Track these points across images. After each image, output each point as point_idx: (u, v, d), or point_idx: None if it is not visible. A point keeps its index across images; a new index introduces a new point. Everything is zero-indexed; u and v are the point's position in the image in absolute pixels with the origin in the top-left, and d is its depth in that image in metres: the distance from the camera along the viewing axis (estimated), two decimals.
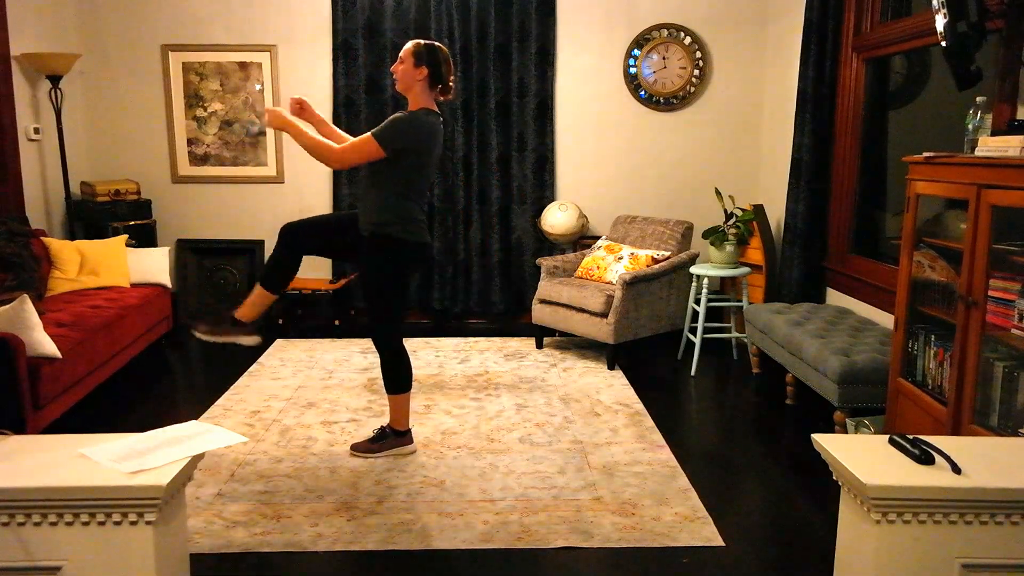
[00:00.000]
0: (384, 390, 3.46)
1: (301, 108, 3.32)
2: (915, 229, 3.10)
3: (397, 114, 3.22)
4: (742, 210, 5.07)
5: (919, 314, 3.13)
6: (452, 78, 3.30)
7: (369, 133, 3.16)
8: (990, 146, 2.69)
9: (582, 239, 5.61)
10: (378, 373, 4.61)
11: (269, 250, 5.84)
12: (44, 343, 3.38)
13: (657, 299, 4.85)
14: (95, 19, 5.56)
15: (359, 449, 3.44)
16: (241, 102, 5.69)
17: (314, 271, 5.86)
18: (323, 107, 5.64)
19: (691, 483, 3.18)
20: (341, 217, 3.59)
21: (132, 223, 5.39)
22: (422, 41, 3.27)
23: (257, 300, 3.45)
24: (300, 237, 3.38)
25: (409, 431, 3.49)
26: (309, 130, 3.23)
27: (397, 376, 3.39)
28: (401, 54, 3.25)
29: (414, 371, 4.64)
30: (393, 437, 3.45)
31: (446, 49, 3.31)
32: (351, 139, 3.27)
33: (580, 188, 5.79)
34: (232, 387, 4.37)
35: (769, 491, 3.21)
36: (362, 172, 3.35)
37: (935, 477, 1.73)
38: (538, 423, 3.84)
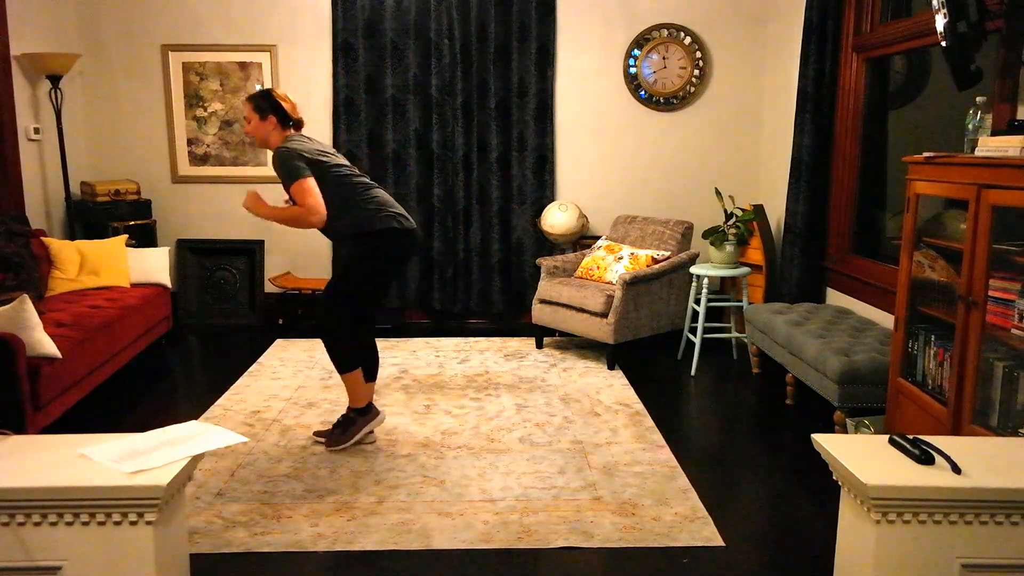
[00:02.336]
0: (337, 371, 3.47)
1: (258, 197, 3.36)
2: (915, 229, 3.10)
3: (274, 159, 3.26)
4: (742, 210, 5.07)
5: (919, 314, 3.13)
6: (298, 112, 3.39)
7: (292, 183, 3.20)
8: (990, 146, 2.69)
9: (582, 239, 5.61)
10: (379, 373, 4.61)
11: (269, 250, 5.84)
12: (44, 343, 3.38)
13: (657, 299, 4.85)
14: (95, 19, 5.56)
15: (332, 445, 3.46)
16: (241, 102, 5.69)
17: (314, 271, 5.87)
18: (323, 107, 5.65)
19: (691, 483, 3.18)
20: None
21: (132, 223, 5.39)
22: (255, 91, 3.37)
23: (351, 384, 3.46)
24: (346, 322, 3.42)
25: (371, 405, 3.51)
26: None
27: (340, 355, 3.39)
28: (244, 114, 3.34)
29: (414, 371, 4.66)
30: (359, 417, 3.48)
31: (280, 91, 3.40)
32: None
33: (580, 188, 5.79)
34: (232, 387, 4.37)
35: (769, 491, 3.21)
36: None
37: (935, 477, 1.74)
38: (538, 423, 3.84)
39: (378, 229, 3.29)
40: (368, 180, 3.40)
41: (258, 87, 5.63)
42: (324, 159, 3.29)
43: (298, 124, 3.38)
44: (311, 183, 3.18)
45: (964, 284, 2.72)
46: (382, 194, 3.39)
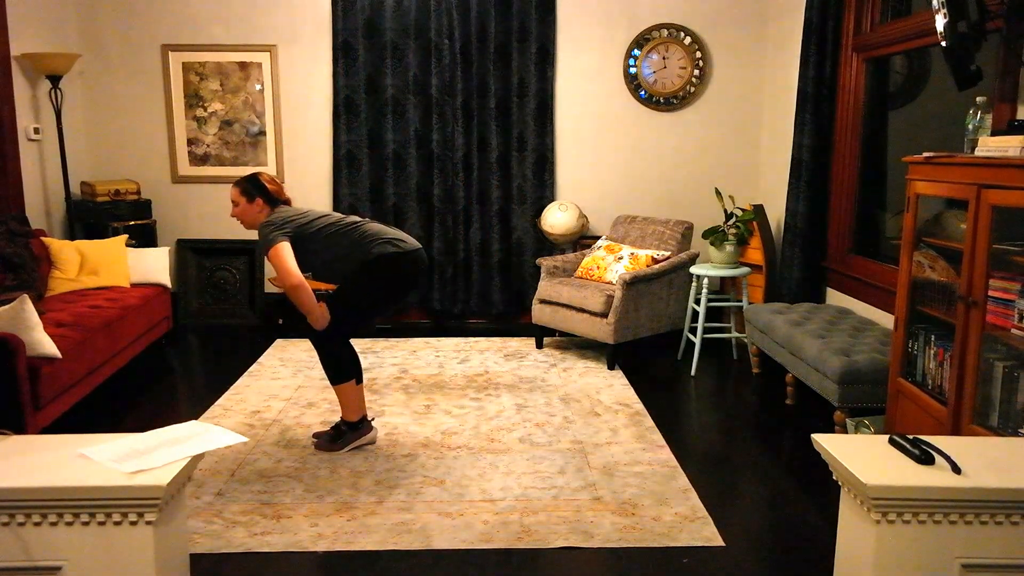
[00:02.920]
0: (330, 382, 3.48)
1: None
2: (915, 229, 3.10)
3: (262, 230, 3.32)
4: (742, 210, 5.07)
5: (919, 314, 3.13)
6: (281, 191, 3.49)
7: (267, 250, 3.26)
8: (990, 146, 2.69)
9: (582, 239, 5.61)
10: (377, 373, 4.62)
11: None
12: (44, 343, 3.38)
13: (657, 299, 4.85)
14: (95, 19, 5.56)
15: (321, 448, 3.48)
16: (241, 102, 5.69)
17: None
18: (323, 107, 5.65)
19: (691, 483, 3.18)
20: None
21: (132, 223, 5.39)
22: (242, 178, 3.47)
23: (344, 395, 3.46)
24: (342, 331, 3.45)
25: (364, 418, 3.51)
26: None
27: (333, 366, 3.41)
28: (231, 197, 3.43)
29: (414, 371, 4.66)
30: (350, 432, 3.49)
31: (265, 173, 3.51)
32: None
33: (580, 188, 5.79)
34: (232, 387, 4.38)
35: (769, 491, 3.21)
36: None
37: (935, 477, 1.73)
38: (538, 423, 3.84)
39: (374, 256, 3.32)
40: (359, 219, 3.45)
41: (258, 87, 5.64)
42: (303, 219, 3.35)
43: (279, 200, 3.46)
44: (284, 248, 3.23)
45: (964, 284, 2.72)
46: (375, 226, 3.43)
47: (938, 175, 2.93)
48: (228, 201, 5.70)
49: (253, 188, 3.41)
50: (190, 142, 5.73)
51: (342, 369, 3.42)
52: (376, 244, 3.35)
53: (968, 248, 2.70)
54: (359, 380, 3.49)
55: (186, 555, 1.96)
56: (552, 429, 3.77)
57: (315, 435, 3.58)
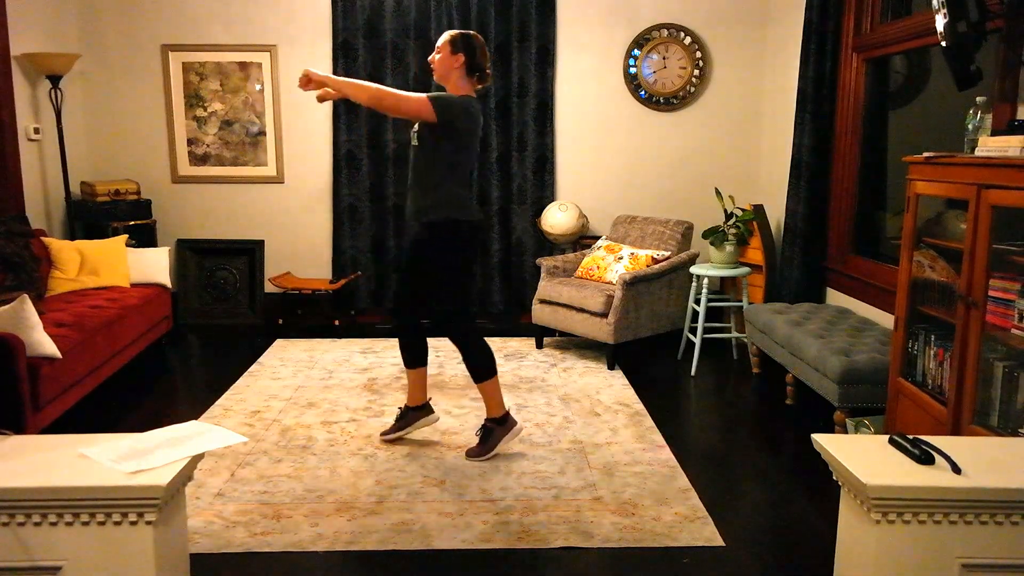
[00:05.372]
0: (473, 381, 3.47)
1: (309, 80, 3.22)
2: (915, 229, 3.10)
3: (447, 96, 3.21)
4: (742, 210, 5.07)
5: (919, 314, 3.13)
6: (488, 65, 3.33)
7: (425, 95, 3.13)
8: (990, 146, 2.69)
9: (582, 239, 5.61)
10: (377, 373, 4.61)
11: (269, 250, 5.84)
12: (44, 343, 3.38)
13: (657, 299, 4.85)
14: (95, 19, 5.56)
15: (473, 455, 3.42)
16: (241, 102, 5.69)
17: (314, 271, 5.87)
18: (323, 107, 5.65)
19: (691, 483, 3.18)
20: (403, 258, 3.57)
21: (132, 223, 5.39)
22: (457, 31, 3.30)
23: (488, 393, 3.44)
24: (402, 314, 3.45)
25: (508, 413, 3.48)
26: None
27: (480, 363, 3.39)
28: (438, 44, 3.28)
29: None
30: (498, 427, 3.44)
31: (481, 37, 3.33)
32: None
33: (580, 188, 5.79)
34: (232, 387, 4.37)
35: (769, 491, 3.21)
36: (411, 163, 3.32)
37: (935, 477, 1.73)
38: (538, 423, 3.84)
39: (465, 220, 3.27)
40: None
41: (258, 87, 5.64)
42: (469, 133, 3.23)
43: (483, 75, 3.30)
44: (425, 109, 3.09)
45: (964, 284, 2.72)
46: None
47: (938, 175, 2.93)
48: (228, 201, 5.78)
49: (464, 44, 3.23)
50: (190, 142, 5.73)
51: (486, 364, 3.39)
52: (465, 200, 3.29)
53: (968, 248, 2.70)
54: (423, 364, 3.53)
55: (186, 555, 1.96)
56: (552, 429, 3.77)
57: (384, 434, 3.56)
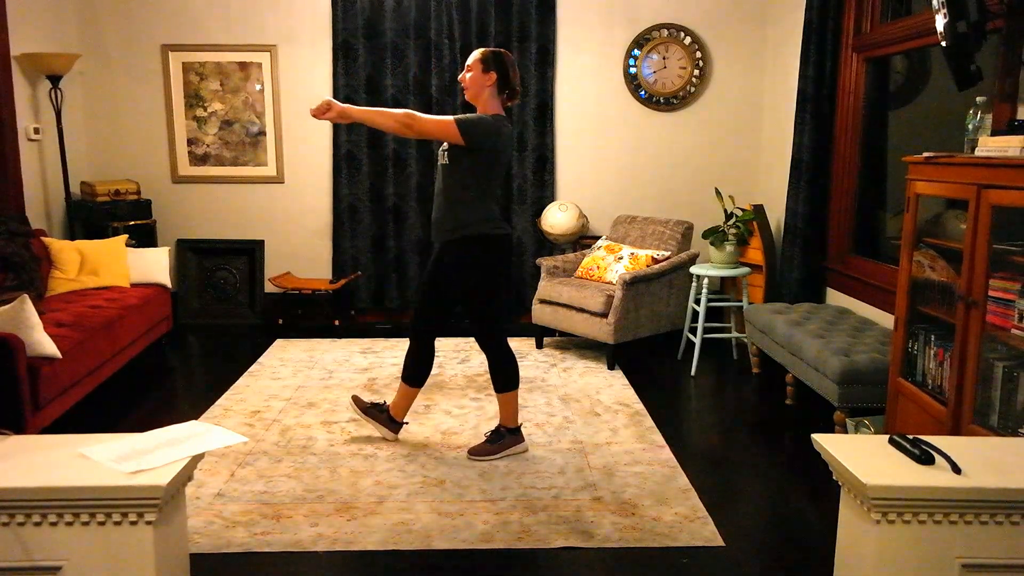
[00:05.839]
0: (494, 390, 3.47)
1: (328, 109, 3.18)
2: (915, 229, 3.10)
3: (479, 114, 3.24)
4: (742, 210, 5.07)
5: (919, 314, 3.13)
6: (518, 82, 3.35)
7: (451, 117, 3.15)
8: (990, 146, 2.69)
9: (582, 239, 5.61)
10: (377, 373, 4.62)
11: (269, 250, 5.84)
12: (44, 343, 3.38)
13: (657, 299, 4.85)
14: (95, 19, 5.56)
15: (478, 453, 3.43)
16: (241, 102, 5.69)
17: (314, 271, 5.87)
18: None
19: (691, 483, 3.18)
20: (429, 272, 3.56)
21: (132, 223, 5.39)
22: (488, 48, 3.32)
23: (508, 403, 3.48)
24: (421, 325, 3.47)
25: (519, 428, 3.52)
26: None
27: (506, 374, 3.41)
28: (469, 62, 3.29)
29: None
30: (510, 436, 3.47)
31: (511, 55, 3.34)
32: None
33: (580, 188, 5.79)
34: (232, 387, 4.37)
35: (769, 491, 3.21)
36: (438, 183, 3.35)
37: (935, 477, 1.73)
38: (538, 423, 3.84)
39: (495, 234, 3.29)
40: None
41: (258, 87, 5.64)
42: (499, 153, 3.25)
43: (513, 92, 3.32)
44: (451, 131, 3.11)
45: (964, 284, 2.72)
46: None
47: (938, 175, 2.92)
48: (228, 201, 5.78)
49: (495, 63, 3.24)
50: (190, 142, 5.73)
51: (511, 376, 3.42)
52: (495, 216, 3.31)
53: (968, 248, 2.70)
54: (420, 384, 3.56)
55: (186, 555, 1.96)
56: (552, 429, 3.77)
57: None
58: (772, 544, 2.77)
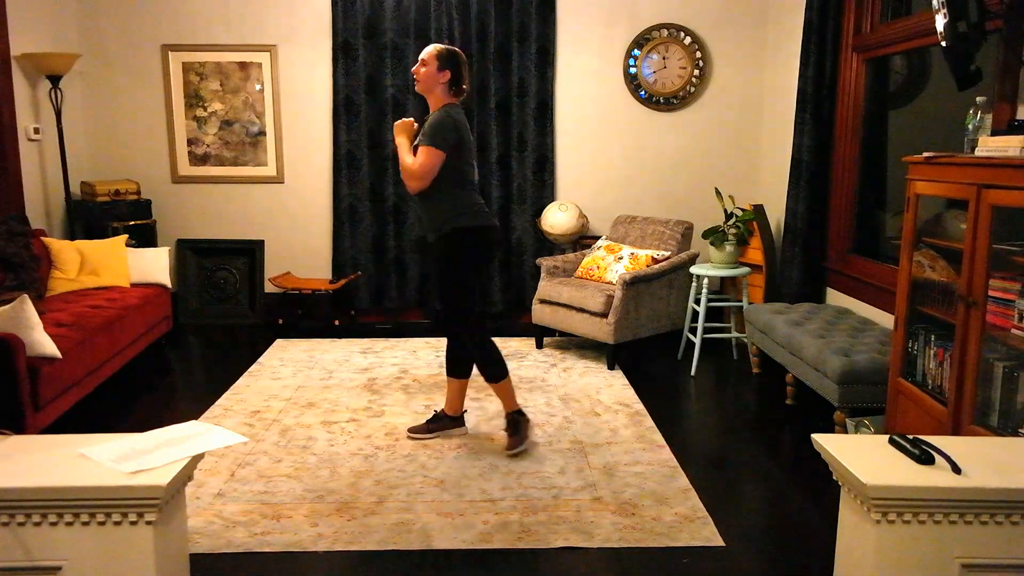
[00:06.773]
0: (486, 381, 3.53)
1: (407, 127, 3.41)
2: (915, 229, 3.10)
3: (434, 117, 3.30)
4: (742, 210, 5.07)
5: (919, 314, 3.13)
6: (467, 80, 3.43)
7: (424, 146, 3.25)
8: (990, 146, 2.69)
9: (582, 239, 5.61)
10: (377, 373, 4.62)
11: (269, 250, 5.84)
12: (44, 343, 3.38)
13: (657, 299, 4.85)
14: (95, 19, 5.56)
15: (513, 448, 3.47)
16: (241, 102, 5.69)
17: (314, 271, 5.87)
18: (323, 107, 5.65)
19: (691, 483, 3.18)
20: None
21: (132, 223, 5.39)
22: (443, 46, 3.38)
23: (503, 391, 3.56)
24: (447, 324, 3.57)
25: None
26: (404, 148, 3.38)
27: (492, 364, 3.46)
28: (424, 56, 3.34)
29: (414, 371, 4.66)
30: (521, 417, 3.55)
31: (463, 54, 3.41)
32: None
33: (580, 188, 5.79)
34: (232, 387, 4.37)
35: (769, 491, 3.21)
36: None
37: (935, 477, 1.73)
38: (538, 423, 3.84)
39: (479, 226, 3.37)
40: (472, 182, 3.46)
41: (258, 87, 5.64)
42: (464, 142, 3.33)
43: (460, 91, 3.39)
44: (436, 159, 3.23)
45: (964, 284, 2.72)
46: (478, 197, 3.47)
47: (938, 175, 2.92)
48: (228, 201, 5.78)
49: (450, 61, 3.32)
50: (190, 142, 5.73)
51: (497, 367, 3.46)
52: (477, 206, 3.39)
53: (968, 248, 2.70)
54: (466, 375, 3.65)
55: (186, 555, 1.96)
56: (552, 429, 3.77)
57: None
58: (772, 544, 2.77)
